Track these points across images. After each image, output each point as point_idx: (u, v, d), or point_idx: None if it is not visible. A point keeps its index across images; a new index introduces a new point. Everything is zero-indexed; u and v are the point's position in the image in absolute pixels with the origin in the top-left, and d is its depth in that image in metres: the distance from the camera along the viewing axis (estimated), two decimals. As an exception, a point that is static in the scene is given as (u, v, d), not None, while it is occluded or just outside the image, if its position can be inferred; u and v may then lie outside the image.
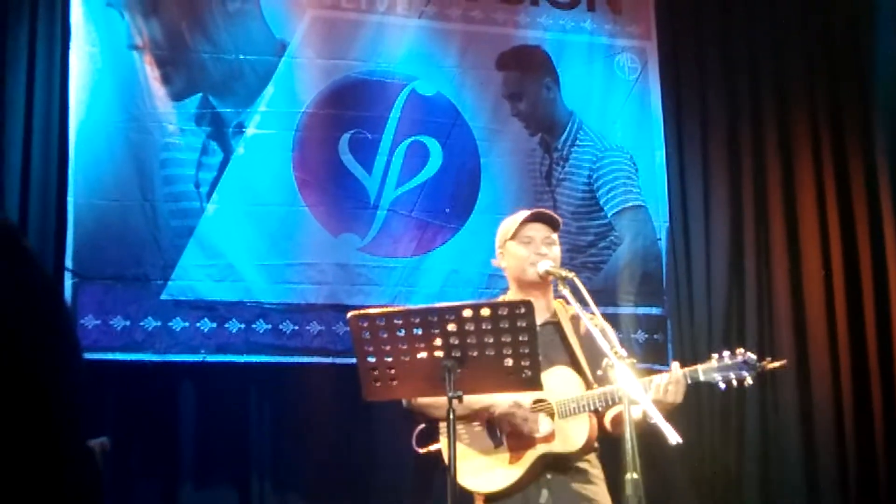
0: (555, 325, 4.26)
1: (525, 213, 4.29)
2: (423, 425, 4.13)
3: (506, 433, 4.06)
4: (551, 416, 4.06)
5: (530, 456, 4.05)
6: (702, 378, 4.03)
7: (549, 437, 4.05)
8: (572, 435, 4.07)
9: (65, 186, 5.95)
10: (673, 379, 3.93)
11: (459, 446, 4.00)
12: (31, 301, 1.71)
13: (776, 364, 4.21)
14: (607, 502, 4.15)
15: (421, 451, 4.11)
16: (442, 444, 4.06)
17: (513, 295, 4.31)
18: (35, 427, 1.68)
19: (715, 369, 4.04)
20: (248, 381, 6.23)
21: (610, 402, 4.00)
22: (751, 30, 7.47)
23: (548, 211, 4.36)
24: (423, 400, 4.04)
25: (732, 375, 4.04)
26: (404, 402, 4.10)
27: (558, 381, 4.06)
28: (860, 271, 7.19)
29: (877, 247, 7.20)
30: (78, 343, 1.85)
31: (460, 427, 3.92)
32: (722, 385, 4.04)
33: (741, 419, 6.95)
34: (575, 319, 4.23)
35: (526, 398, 4.04)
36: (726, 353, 4.07)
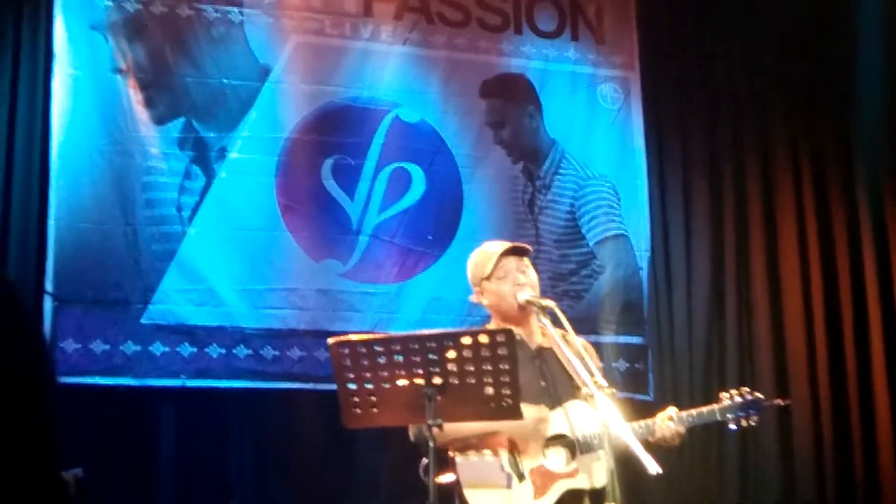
0: (548, 350, 4.23)
1: (496, 252, 4.26)
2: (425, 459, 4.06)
3: (530, 466, 4.00)
4: (572, 451, 4.04)
5: (555, 491, 3.99)
6: (718, 418, 4.19)
7: (572, 473, 4.02)
8: (597, 471, 4.02)
9: (46, 209, 5.93)
10: (677, 432, 4.00)
11: (475, 478, 3.95)
12: (16, 339, 1.71)
13: (782, 403, 4.35)
14: None
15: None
16: (459, 475, 3.97)
17: (496, 326, 4.29)
18: (18, 459, 1.67)
19: (728, 409, 4.20)
20: (228, 406, 6.20)
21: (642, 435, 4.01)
22: (731, 60, 7.52)
23: (516, 244, 4.34)
24: (449, 432, 3.79)
25: (742, 415, 4.21)
26: (412, 435, 4.05)
27: (579, 416, 4.03)
28: (840, 304, 7.22)
29: (857, 278, 7.24)
30: (55, 378, 1.84)
31: (473, 456, 3.90)
32: (733, 426, 4.21)
33: (721, 447, 6.95)
34: (565, 341, 4.22)
35: (543, 432, 4.02)
36: (734, 392, 4.23)
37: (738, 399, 4.19)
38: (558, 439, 4.05)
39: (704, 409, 4.17)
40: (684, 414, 4.12)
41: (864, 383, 7.10)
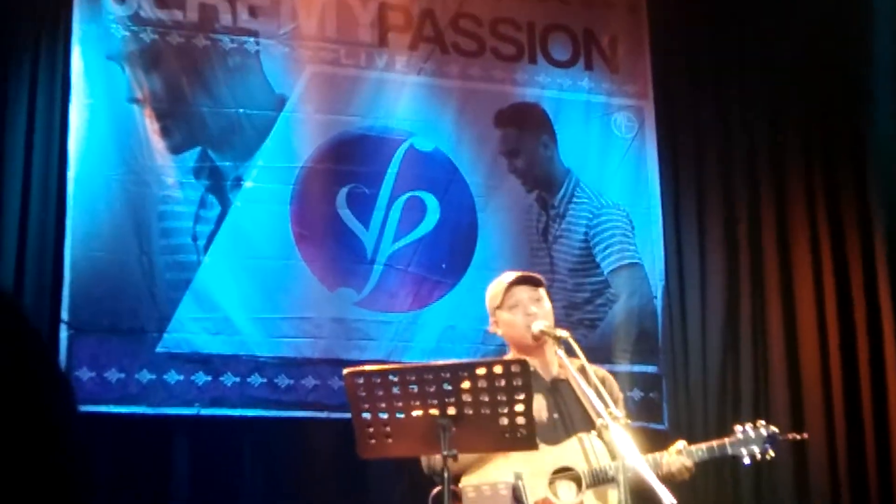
0: (563, 381, 4.25)
1: (508, 279, 4.31)
2: (439, 487, 4.08)
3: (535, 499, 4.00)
4: (578, 485, 4.03)
5: None
6: (730, 452, 4.11)
7: None
8: (612, 501, 4.02)
9: (62, 238, 5.95)
10: (684, 466, 3.96)
11: None
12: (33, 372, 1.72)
13: (798, 437, 4.25)
14: None
15: None
16: None
17: (514, 356, 4.31)
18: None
19: (741, 443, 4.12)
20: (242, 434, 6.20)
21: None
22: (747, 90, 7.53)
23: (526, 273, 4.38)
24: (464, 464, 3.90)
25: (756, 449, 4.10)
26: (425, 466, 4.07)
27: (588, 449, 4.03)
28: (856, 334, 7.19)
29: (872, 306, 7.21)
30: (76, 425, 1.85)
31: (486, 489, 3.90)
32: (747, 460, 4.09)
33: (735, 481, 6.90)
34: (582, 371, 4.22)
35: (550, 465, 4.02)
36: (748, 426, 4.11)
37: (751, 433, 4.11)
38: (566, 472, 4.04)
39: (715, 444, 4.11)
40: (693, 448, 4.08)
41: (879, 414, 7.06)
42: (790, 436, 4.23)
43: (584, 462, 4.04)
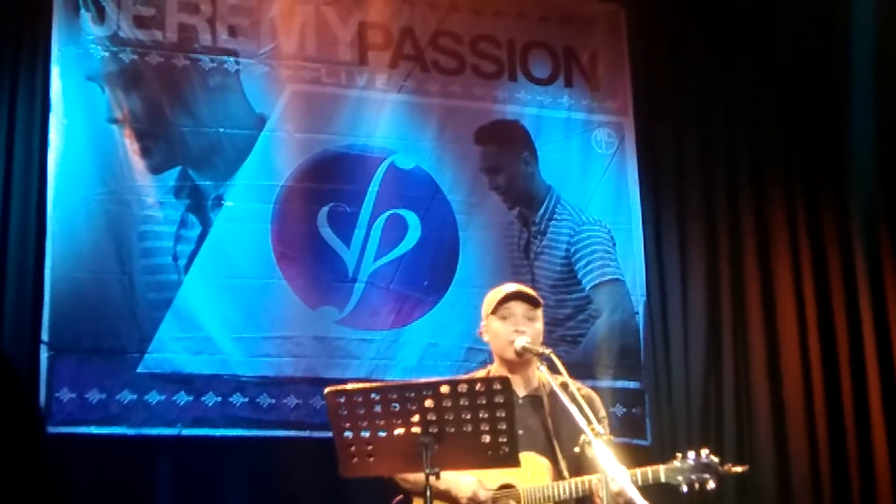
0: (537, 398, 4.26)
1: (507, 290, 4.31)
2: (401, 496, 4.13)
3: None
4: (518, 502, 4.05)
5: None
6: (663, 479, 4.01)
7: None
8: None
9: (42, 258, 5.93)
10: (615, 490, 3.85)
11: None
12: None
13: (738, 469, 4.14)
14: None
15: None
16: None
17: (497, 367, 4.33)
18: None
19: (677, 470, 4.02)
20: (224, 454, 6.17)
21: (577, 494, 4.00)
22: (727, 106, 7.55)
23: (529, 291, 4.37)
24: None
25: (694, 478, 4.00)
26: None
27: (527, 468, 4.03)
28: (836, 344, 7.22)
29: (853, 318, 7.25)
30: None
31: None
32: (684, 488, 4.00)
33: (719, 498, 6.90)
34: (564, 387, 4.19)
35: (492, 482, 4.03)
36: (690, 454, 4.03)
37: (691, 461, 3.99)
38: (506, 490, 4.06)
39: (649, 470, 3.99)
40: (629, 472, 4.03)
41: (862, 428, 7.08)
42: (728, 466, 4.09)
43: (522, 482, 4.04)
